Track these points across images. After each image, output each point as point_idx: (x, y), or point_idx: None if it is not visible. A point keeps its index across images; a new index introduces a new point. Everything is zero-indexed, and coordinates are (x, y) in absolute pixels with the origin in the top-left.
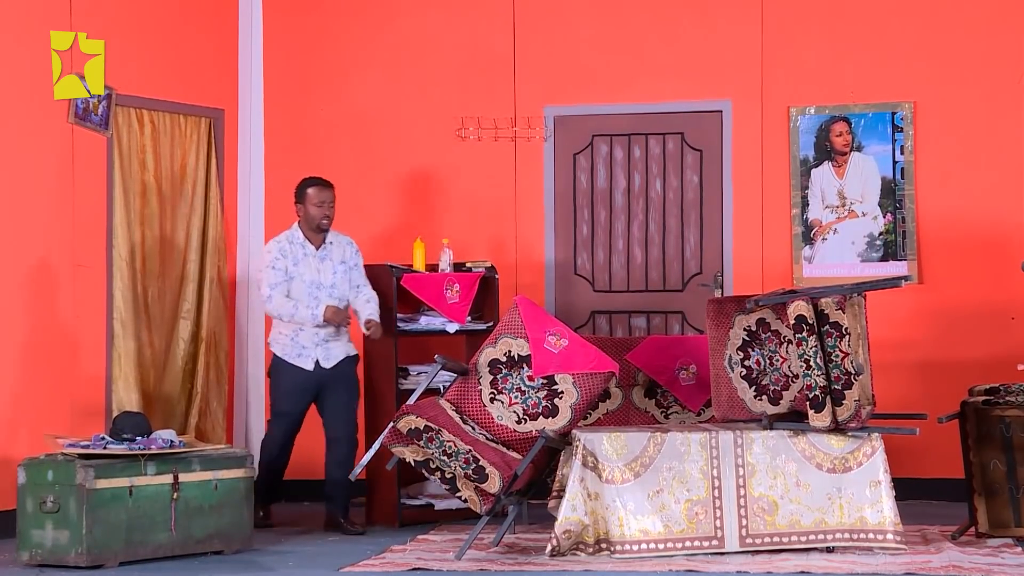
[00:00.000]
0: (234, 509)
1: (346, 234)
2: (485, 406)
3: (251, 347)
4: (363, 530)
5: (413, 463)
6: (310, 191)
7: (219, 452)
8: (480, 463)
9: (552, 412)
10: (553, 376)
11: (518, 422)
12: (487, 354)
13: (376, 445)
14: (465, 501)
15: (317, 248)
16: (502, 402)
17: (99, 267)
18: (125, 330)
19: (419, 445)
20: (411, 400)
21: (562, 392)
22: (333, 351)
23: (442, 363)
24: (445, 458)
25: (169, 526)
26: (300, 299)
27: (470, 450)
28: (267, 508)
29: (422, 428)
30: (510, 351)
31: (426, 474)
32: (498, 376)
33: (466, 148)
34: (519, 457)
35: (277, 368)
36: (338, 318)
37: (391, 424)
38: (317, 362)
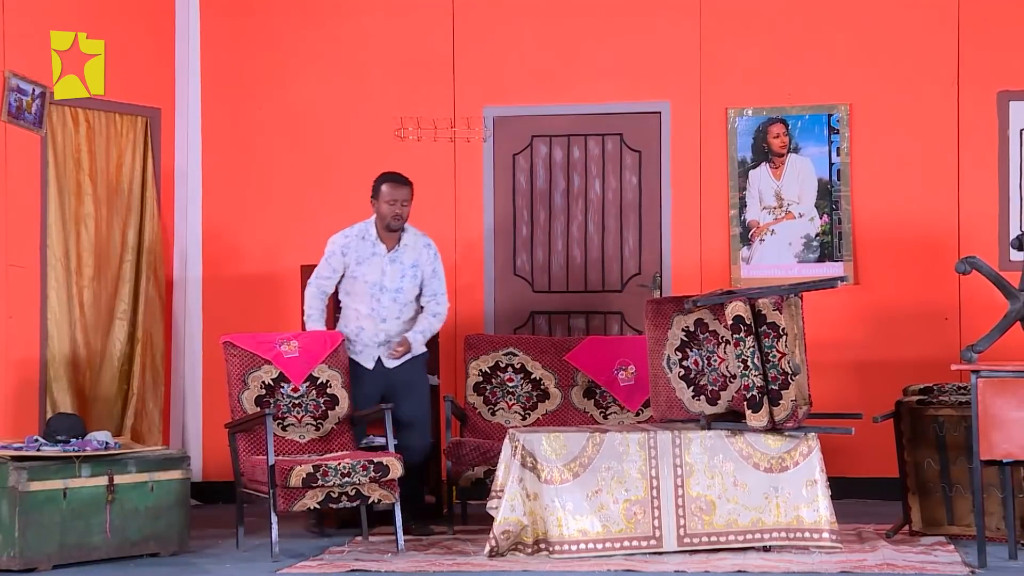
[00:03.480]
0: (170, 511)
1: (425, 234)
2: (294, 439)
3: (188, 348)
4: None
5: (317, 507)
6: (384, 187)
7: (155, 454)
8: (375, 461)
9: (334, 402)
10: (311, 374)
11: (317, 429)
12: (247, 398)
13: (274, 523)
14: (379, 502)
15: (389, 249)
16: (294, 424)
17: (33, 267)
18: (60, 331)
19: (315, 487)
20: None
21: (327, 380)
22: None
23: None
24: (347, 478)
25: (104, 529)
26: (362, 299)
27: (360, 460)
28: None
29: (312, 470)
30: (264, 381)
31: (333, 507)
32: (270, 406)
33: (405, 148)
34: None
35: (350, 366)
36: None
37: (278, 488)
38: (379, 360)
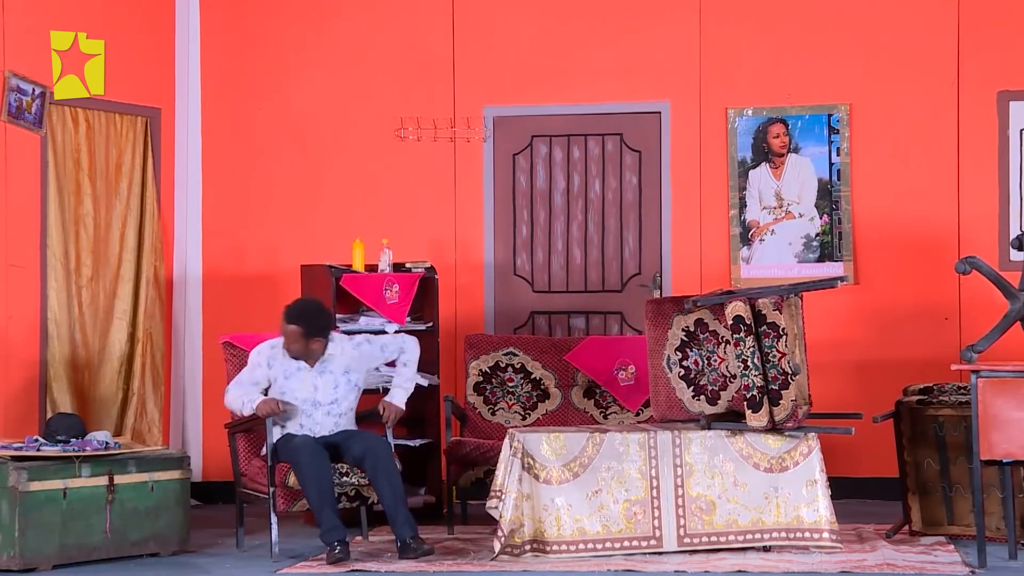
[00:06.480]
0: (170, 511)
1: (354, 331)
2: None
3: (188, 348)
4: (431, 548)
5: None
6: (283, 324)
7: (155, 453)
8: None
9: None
10: None
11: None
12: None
13: (274, 523)
14: (379, 502)
15: (314, 363)
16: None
17: (33, 267)
18: (59, 330)
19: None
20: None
21: None
22: None
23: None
24: (346, 479)
25: (104, 528)
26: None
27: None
28: (340, 540)
29: None
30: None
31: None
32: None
33: (405, 148)
34: None
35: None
36: (267, 408)
37: (277, 488)
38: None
